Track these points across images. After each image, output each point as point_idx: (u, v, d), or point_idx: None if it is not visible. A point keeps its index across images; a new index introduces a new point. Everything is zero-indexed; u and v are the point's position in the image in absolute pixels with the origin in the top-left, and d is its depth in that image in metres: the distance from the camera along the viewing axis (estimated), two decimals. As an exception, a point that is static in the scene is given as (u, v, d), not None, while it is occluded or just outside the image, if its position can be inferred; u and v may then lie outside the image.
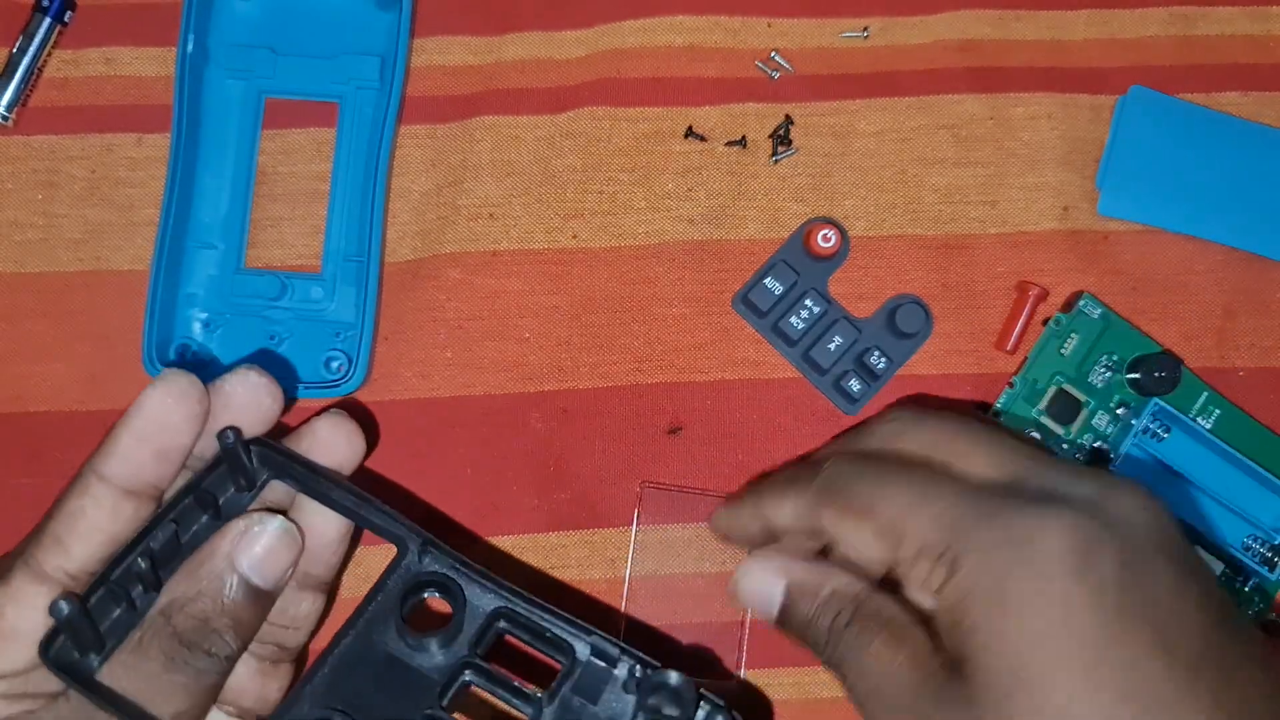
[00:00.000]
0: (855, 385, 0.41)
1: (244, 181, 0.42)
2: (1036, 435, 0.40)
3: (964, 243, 0.42)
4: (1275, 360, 0.42)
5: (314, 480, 0.32)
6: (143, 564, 0.30)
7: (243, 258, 0.41)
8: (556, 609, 0.30)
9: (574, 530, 0.40)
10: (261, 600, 0.31)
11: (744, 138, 0.43)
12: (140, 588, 0.30)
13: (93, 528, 0.30)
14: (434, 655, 0.30)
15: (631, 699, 0.30)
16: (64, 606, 0.28)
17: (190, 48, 0.41)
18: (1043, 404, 0.40)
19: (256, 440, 0.32)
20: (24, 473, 0.40)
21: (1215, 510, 0.39)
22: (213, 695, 0.31)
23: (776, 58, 0.43)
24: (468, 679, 0.30)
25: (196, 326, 0.41)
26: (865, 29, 0.43)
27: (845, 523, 0.32)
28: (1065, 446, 0.40)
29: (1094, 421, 0.40)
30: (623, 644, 0.30)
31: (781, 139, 0.42)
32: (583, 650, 0.30)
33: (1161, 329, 0.42)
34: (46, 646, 0.28)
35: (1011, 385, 0.40)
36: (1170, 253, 0.42)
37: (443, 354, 0.41)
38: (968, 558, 0.29)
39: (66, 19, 0.43)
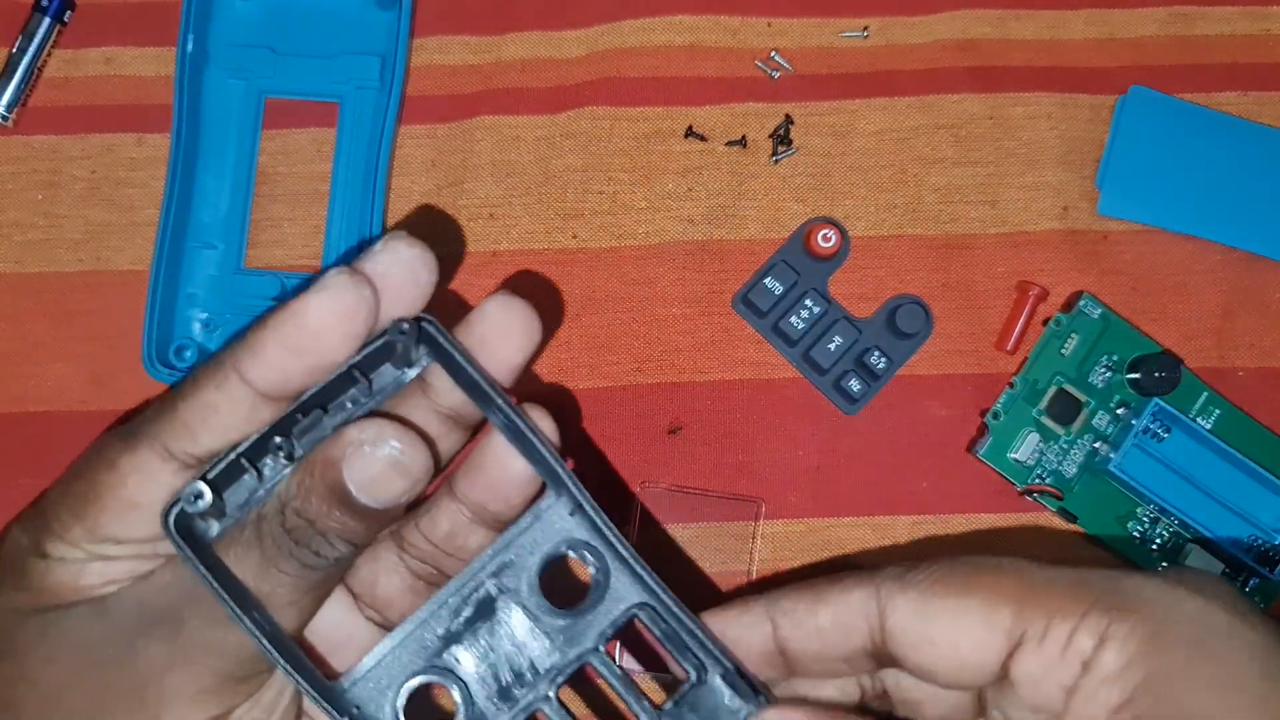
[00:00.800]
0: (855, 385, 0.41)
1: (244, 182, 0.42)
2: (1037, 435, 0.40)
3: (964, 242, 0.42)
4: (1275, 360, 0.42)
5: (475, 381, 0.28)
6: (279, 441, 0.28)
7: (243, 258, 0.41)
8: (702, 624, 0.28)
9: (574, 530, 0.40)
10: (371, 516, 0.28)
11: (744, 137, 0.43)
12: (271, 460, 0.29)
13: (226, 425, 0.28)
14: (559, 623, 0.28)
15: None
16: (198, 501, 0.27)
17: (190, 47, 0.41)
18: (1043, 404, 0.40)
19: (427, 320, 0.28)
20: (26, 473, 0.40)
21: (1215, 510, 0.39)
22: (324, 591, 0.29)
23: (776, 57, 0.43)
24: (593, 663, 0.28)
25: (196, 327, 0.41)
26: (865, 29, 0.43)
27: (936, 605, 0.26)
28: (1065, 446, 0.40)
29: (1094, 422, 0.40)
30: (764, 687, 0.28)
31: (781, 139, 0.42)
32: (714, 672, 0.28)
33: (1161, 329, 0.42)
34: (166, 513, 0.28)
35: (1012, 385, 0.40)
36: (1170, 252, 0.42)
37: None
38: (1125, 613, 0.25)
39: (66, 18, 0.43)
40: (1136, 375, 0.40)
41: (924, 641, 0.26)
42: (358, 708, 0.28)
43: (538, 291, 0.42)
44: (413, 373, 0.29)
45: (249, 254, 0.42)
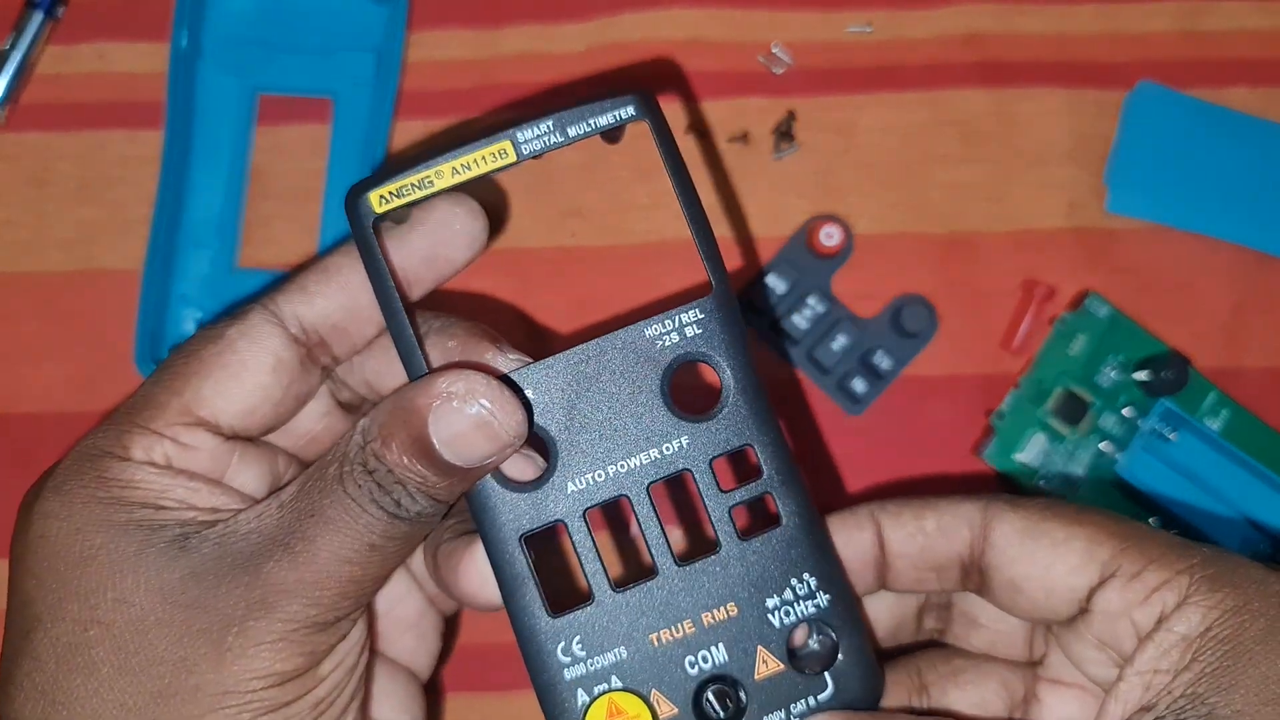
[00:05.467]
0: (859, 386, 0.40)
1: (238, 179, 0.41)
2: (1043, 437, 0.40)
3: (969, 240, 0.42)
4: (1285, 360, 0.41)
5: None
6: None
7: (236, 256, 0.41)
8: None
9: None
10: (455, 473, 0.27)
11: (746, 133, 0.42)
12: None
13: (345, 284, 0.29)
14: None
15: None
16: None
17: (183, 43, 0.41)
18: (1049, 405, 0.40)
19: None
20: (15, 475, 0.40)
21: (1223, 513, 0.39)
22: (406, 547, 0.28)
23: (779, 52, 0.43)
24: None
25: (189, 326, 0.41)
26: (870, 23, 0.43)
27: (1044, 526, 0.28)
28: (1071, 448, 0.40)
29: (1101, 423, 0.40)
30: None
31: (784, 134, 0.42)
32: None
33: (1169, 329, 0.41)
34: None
35: (1017, 386, 0.40)
36: (1178, 251, 0.42)
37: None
38: (1216, 584, 0.26)
39: (58, 14, 0.42)
40: (1144, 375, 0.39)
41: (1024, 556, 0.27)
42: None
43: (537, 290, 0.41)
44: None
45: (242, 252, 0.41)
